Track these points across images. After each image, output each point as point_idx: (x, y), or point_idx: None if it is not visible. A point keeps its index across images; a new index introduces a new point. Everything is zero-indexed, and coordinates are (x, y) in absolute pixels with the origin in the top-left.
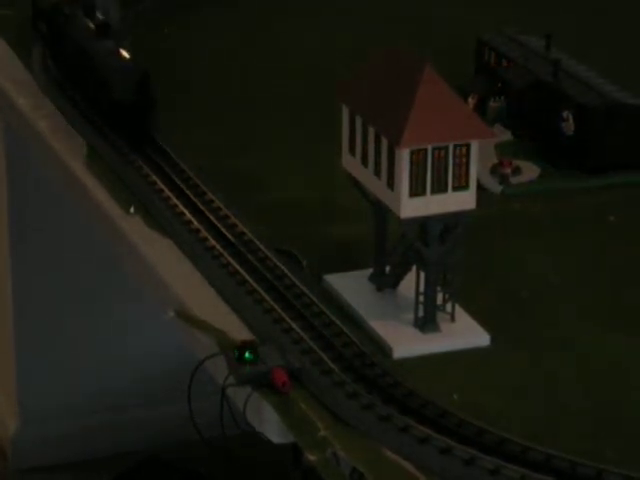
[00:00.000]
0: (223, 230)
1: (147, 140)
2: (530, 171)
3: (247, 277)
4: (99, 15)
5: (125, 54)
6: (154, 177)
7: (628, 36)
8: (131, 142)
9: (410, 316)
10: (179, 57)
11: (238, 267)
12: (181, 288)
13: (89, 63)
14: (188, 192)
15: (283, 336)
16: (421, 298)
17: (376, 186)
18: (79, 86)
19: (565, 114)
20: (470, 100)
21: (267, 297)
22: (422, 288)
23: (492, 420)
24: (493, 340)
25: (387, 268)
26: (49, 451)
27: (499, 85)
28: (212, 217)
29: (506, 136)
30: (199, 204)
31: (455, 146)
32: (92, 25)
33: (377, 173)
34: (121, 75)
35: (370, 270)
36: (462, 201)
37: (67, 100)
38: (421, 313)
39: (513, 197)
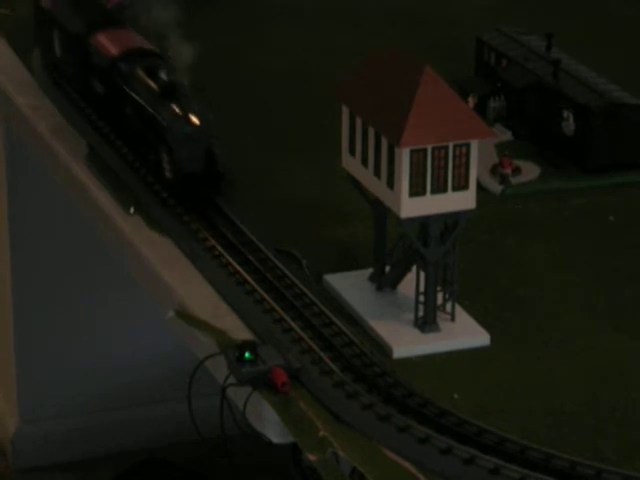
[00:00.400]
0: (223, 230)
1: (212, 209)
2: (530, 171)
3: (247, 277)
4: (163, 74)
5: (194, 119)
6: (152, 178)
7: (628, 36)
8: (196, 212)
9: (410, 316)
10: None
11: (238, 267)
12: (181, 288)
13: (153, 128)
14: None
15: (283, 336)
16: (421, 298)
17: (376, 186)
18: (139, 151)
19: (565, 114)
20: (470, 100)
21: (267, 297)
22: (422, 288)
23: (492, 420)
24: (493, 340)
25: (387, 268)
26: (49, 451)
27: (499, 85)
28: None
29: (506, 136)
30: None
31: (455, 146)
32: (155, 85)
33: (377, 173)
34: (189, 143)
35: (370, 270)
36: (462, 201)
37: (67, 100)
38: (421, 313)
39: (513, 197)
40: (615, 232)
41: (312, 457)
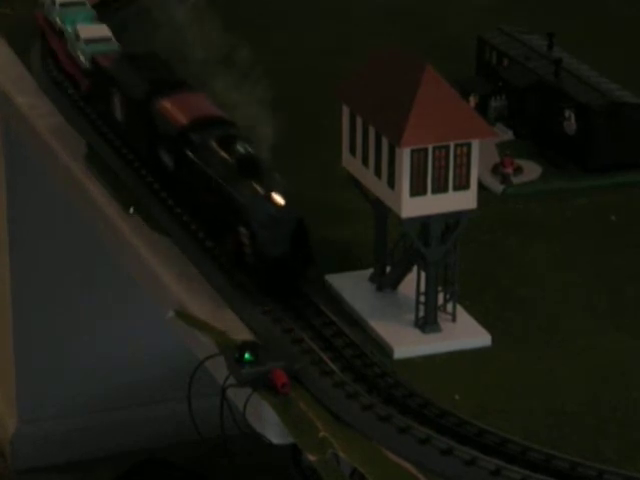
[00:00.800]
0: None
1: (298, 297)
2: (531, 171)
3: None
4: (240, 146)
5: (278, 198)
6: (151, 178)
7: (628, 36)
8: (280, 300)
9: (411, 316)
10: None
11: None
12: (181, 288)
13: (230, 207)
14: None
15: (283, 336)
16: (422, 298)
17: (377, 186)
18: (213, 231)
19: (567, 113)
20: (471, 99)
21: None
22: (423, 288)
23: (493, 420)
24: (494, 340)
25: (388, 268)
26: (48, 451)
27: (500, 84)
28: None
29: (507, 135)
30: None
31: (456, 145)
32: (232, 159)
33: (378, 173)
34: (273, 226)
35: (370, 270)
36: (463, 201)
37: (67, 99)
38: (422, 313)
39: (514, 197)
40: (617, 232)
41: (312, 457)
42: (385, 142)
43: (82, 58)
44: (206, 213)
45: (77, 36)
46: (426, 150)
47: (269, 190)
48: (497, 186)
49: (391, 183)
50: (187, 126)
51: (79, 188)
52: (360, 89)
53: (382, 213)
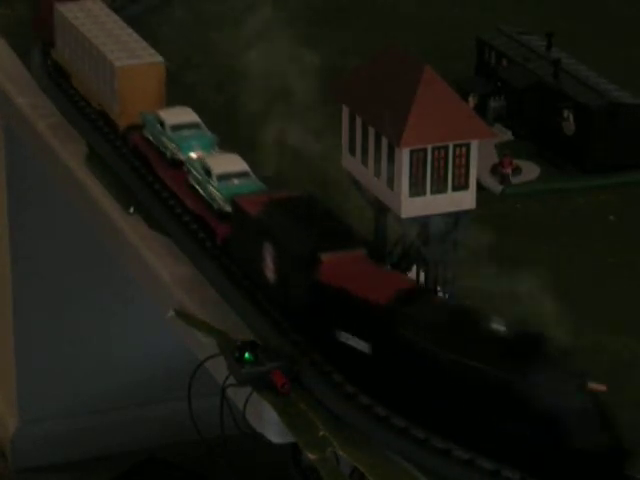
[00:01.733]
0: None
1: None
2: (530, 171)
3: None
4: (497, 324)
5: (598, 386)
6: (151, 178)
7: (628, 36)
8: None
9: None
10: (178, 54)
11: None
12: (181, 288)
13: (514, 406)
14: None
15: (283, 336)
16: None
17: (376, 186)
18: (462, 433)
19: (565, 114)
20: (470, 100)
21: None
22: None
23: None
24: None
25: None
26: (49, 451)
27: (499, 85)
28: None
29: (506, 136)
30: None
31: (455, 146)
32: (499, 342)
33: (377, 173)
34: (582, 419)
35: None
36: (462, 201)
37: (67, 99)
38: None
39: (513, 197)
40: (616, 232)
41: (312, 456)
42: (384, 142)
43: (216, 198)
44: (448, 413)
45: (207, 171)
46: (425, 150)
47: (574, 375)
48: (496, 186)
49: (390, 183)
50: (394, 301)
51: (79, 188)
52: (360, 89)
53: (381, 213)
